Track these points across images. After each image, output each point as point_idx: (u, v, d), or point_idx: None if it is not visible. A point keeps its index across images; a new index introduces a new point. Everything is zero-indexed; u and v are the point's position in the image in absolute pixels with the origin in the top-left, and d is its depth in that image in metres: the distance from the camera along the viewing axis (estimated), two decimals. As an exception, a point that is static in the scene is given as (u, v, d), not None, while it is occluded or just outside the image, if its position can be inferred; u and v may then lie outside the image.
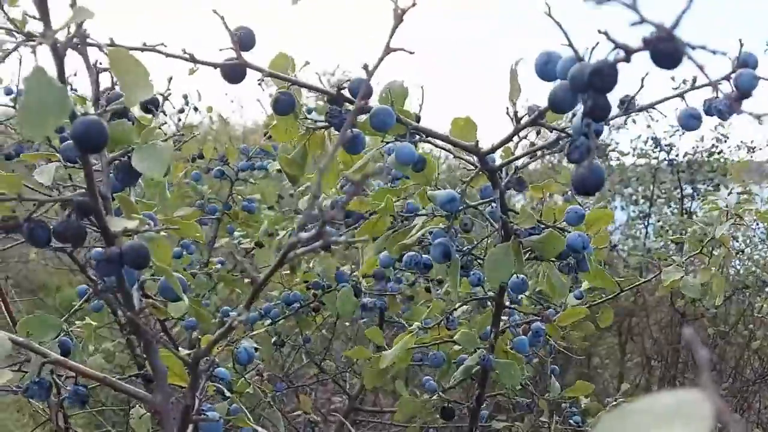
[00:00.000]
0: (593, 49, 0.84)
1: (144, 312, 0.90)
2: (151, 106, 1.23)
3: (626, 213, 6.38)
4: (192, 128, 3.11)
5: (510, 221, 1.18)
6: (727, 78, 1.12)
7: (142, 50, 0.98)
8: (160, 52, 0.99)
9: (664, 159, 5.71)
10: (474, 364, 1.40)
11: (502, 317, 1.50)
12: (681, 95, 1.12)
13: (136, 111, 1.11)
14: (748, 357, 5.51)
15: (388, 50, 0.85)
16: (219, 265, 2.51)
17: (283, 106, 1.06)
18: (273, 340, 2.30)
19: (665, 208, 6.17)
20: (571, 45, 0.83)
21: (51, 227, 0.81)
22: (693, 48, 0.73)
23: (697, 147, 5.84)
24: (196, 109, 3.04)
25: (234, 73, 1.01)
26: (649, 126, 5.84)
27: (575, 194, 1.05)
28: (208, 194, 2.53)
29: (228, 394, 1.08)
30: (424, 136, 1.10)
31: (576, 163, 0.87)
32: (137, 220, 0.84)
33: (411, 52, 0.88)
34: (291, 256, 0.72)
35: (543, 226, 1.23)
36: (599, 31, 0.76)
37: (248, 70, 1.04)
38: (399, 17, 0.82)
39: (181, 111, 2.97)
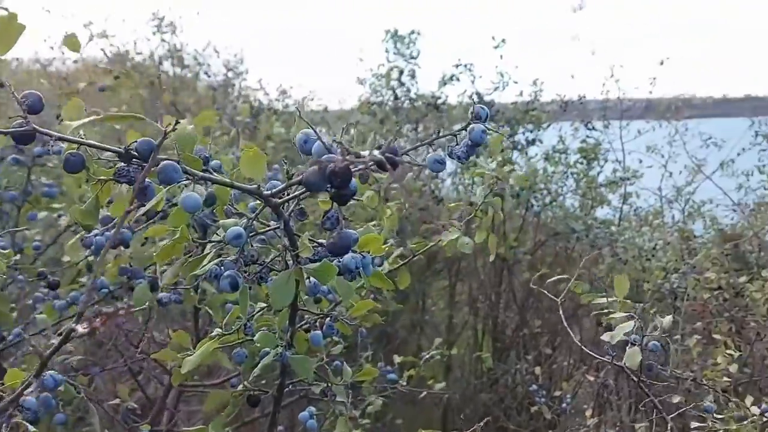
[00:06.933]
0: (342, 136, 1.00)
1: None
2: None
3: (455, 163, 6.75)
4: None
5: (292, 250, 1.34)
6: (465, 128, 1.34)
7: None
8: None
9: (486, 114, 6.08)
10: (270, 362, 1.57)
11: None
12: (429, 143, 1.31)
13: None
14: (563, 294, 6.10)
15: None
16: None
17: (73, 166, 1.15)
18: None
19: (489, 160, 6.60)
20: (319, 138, 0.98)
21: None
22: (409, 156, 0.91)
23: (517, 102, 6.29)
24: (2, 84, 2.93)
25: (24, 138, 1.08)
26: (473, 82, 6.22)
27: (331, 253, 1.23)
28: (4, 183, 2.47)
29: (32, 429, 1.16)
30: (210, 183, 1.22)
31: (329, 231, 1.04)
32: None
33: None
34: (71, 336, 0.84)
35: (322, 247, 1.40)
36: (335, 141, 0.92)
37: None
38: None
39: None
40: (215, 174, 1.26)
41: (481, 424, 3.19)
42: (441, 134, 1.34)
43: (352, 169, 0.92)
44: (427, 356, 3.40)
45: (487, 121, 1.32)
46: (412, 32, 6.24)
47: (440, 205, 5.82)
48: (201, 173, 1.20)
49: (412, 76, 6.25)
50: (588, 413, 4.05)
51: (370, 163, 0.92)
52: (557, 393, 4.70)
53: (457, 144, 1.31)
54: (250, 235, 1.35)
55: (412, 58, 6.20)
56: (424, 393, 3.64)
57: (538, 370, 4.87)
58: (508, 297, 6.73)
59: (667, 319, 2.00)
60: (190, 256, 1.36)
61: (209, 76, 6.72)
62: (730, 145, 6.98)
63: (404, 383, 3.22)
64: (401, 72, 6.20)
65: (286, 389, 1.93)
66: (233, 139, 3.90)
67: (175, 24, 6.72)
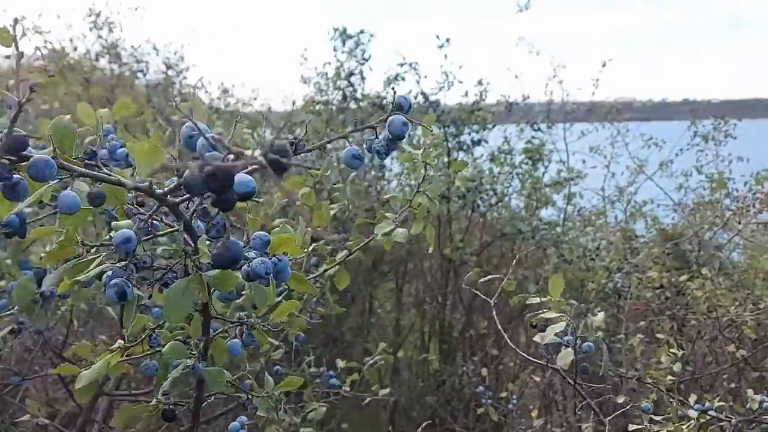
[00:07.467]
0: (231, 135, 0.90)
1: None
2: None
3: (401, 165, 6.70)
4: None
5: (194, 254, 1.22)
6: (385, 121, 1.23)
7: None
8: None
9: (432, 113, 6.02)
10: (179, 375, 1.44)
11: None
12: (345, 136, 1.21)
13: None
14: (507, 295, 6.09)
15: None
16: None
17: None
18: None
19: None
20: (207, 140, 0.87)
21: None
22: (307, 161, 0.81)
23: (462, 103, 6.23)
24: None
25: None
26: (418, 82, 6.14)
27: (215, 267, 1.11)
28: None
29: None
30: (93, 180, 1.09)
31: (214, 240, 0.93)
32: None
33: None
34: None
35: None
36: (217, 139, 0.81)
37: None
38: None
39: None
40: (104, 170, 1.14)
41: (420, 429, 3.12)
42: (358, 127, 1.24)
43: (234, 171, 0.80)
44: (371, 362, 3.31)
45: (410, 112, 1.22)
46: (362, 31, 6.12)
47: (385, 206, 5.73)
48: (80, 169, 1.07)
49: (361, 75, 6.14)
50: (534, 413, 4.01)
51: (254, 165, 0.80)
52: (504, 394, 4.65)
53: (376, 137, 1.21)
54: (147, 237, 1.23)
55: (365, 60, 6.09)
56: (369, 399, 3.54)
57: (484, 371, 4.82)
58: (454, 298, 6.68)
59: (600, 317, 1.93)
60: (78, 260, 1.23)
61: (144, 74, 6.51)
62: (670, 146, 7.09)
63: (348, 388, 3.13)
64: (351, 73, 6.08)
65: (224, 397, 1.81)
66: (170, 138, 3.75)
67: (112, 20, 6.50)
